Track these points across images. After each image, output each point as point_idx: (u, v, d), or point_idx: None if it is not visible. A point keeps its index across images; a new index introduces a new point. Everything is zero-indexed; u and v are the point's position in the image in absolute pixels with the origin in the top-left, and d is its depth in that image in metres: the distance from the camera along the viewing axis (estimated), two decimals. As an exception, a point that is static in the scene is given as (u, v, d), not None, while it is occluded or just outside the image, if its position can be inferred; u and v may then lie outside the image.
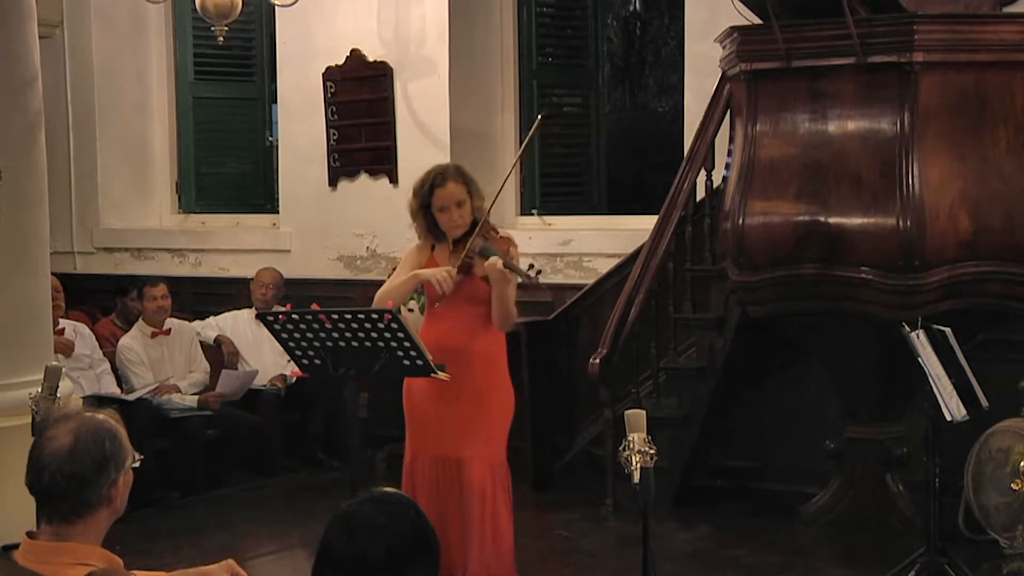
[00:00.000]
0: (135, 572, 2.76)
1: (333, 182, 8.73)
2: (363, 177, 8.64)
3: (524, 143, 4.89)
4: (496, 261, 4.68)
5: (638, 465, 3.38)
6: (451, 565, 4.76)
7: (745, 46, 6.04)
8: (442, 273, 4.75)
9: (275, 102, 9.40)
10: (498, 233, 4.96)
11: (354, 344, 4.41)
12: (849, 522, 6.33)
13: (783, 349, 6.80)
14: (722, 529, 6.52)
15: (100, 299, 8.79)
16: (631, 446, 3.40)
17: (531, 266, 4.67)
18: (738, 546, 6.23)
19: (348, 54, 8.56)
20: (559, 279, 7.99)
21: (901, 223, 5.72)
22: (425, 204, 4.90)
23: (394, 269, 7.87)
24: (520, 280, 4.75)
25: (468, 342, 4.84)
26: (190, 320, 8.28)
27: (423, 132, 8.40)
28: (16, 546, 2.70)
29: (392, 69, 8.45)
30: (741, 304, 6.48)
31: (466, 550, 4.79)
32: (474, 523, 4.79)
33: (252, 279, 8.42)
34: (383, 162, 8.54)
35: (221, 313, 8.43)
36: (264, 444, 7.82)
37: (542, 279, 4.74)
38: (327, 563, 2.35)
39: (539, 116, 5.08)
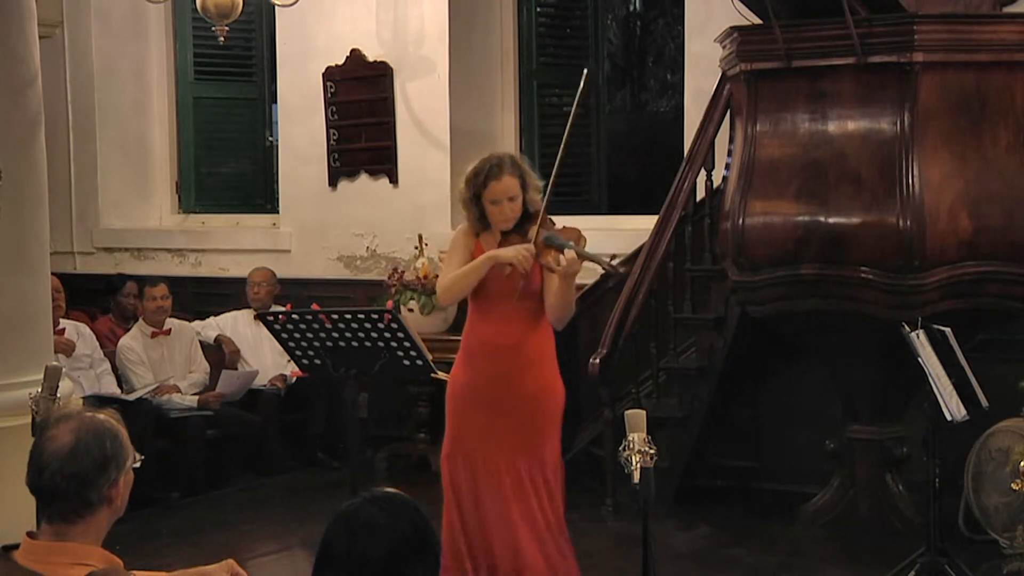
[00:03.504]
0: (135, 572, 2.76)
1: (333, 182, 8.73)
2: (363, 177, 8.64)
3: (574, 106, 4.62)
4: (573, 254, 4.47)
5: (638, 465, 3.38)
6: (477, 565, 4.73)
7: (745, 46, 6.05)
8: (522, 252, 4.51)
9: (275, 102, 9.40)
10: (554, 224, 4.75)
11: (354, 344, 4.42)
12: (849, 522, 6.33)
13: (783, 349, 6.79)
14: (722, 529, 6.52)
15: (100, 299, 8.78)
16: (631, 446, 3.40)
17: (613, 257, 4.49)
18: (738, 546, 6.24)
19: (348, 54, 8.56)
20: (559, 279, 7.98)
21: (901, 223, 5.72)
22: (476, 194, 4.70)
23: (394, 270, 7.97)
24: (601, 268, 4.53)
25: (523, 340, 4.69)
26: (190, 320, 8.28)
27: (423, 132, 8.40)
28: (16, 546, 2.70)
29: (392, 69, 8.46)
30: (741, 304, 6.48)
31: (498, 552, 4.74)
32: (529, 522, 4.73)
33: (249, 281, 8.44)
34: (383, 162, 8.54)
35: (221, 313, 8.43)
36: (264, 444, 7.82)
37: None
38: (328, 563, 2.35)
39: (584, 71, 4.78)
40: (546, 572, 4.74)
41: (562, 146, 4.73)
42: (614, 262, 4.52)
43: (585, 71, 4.82)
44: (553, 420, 4.82)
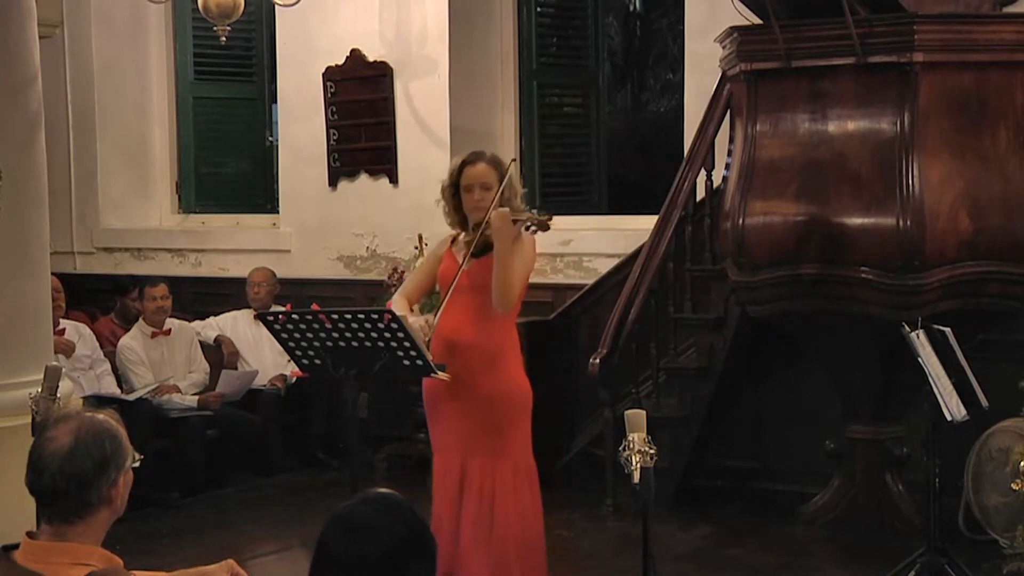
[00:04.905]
0: (135, 572, 2.76)
1: (333, 182, 8.73)
2: (363, 177, 8.64)
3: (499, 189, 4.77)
4: (502, 208, 4.55)
5: (638, 465, 3.38)
6: (452, 563, 4.73)
7: (745, 46, 6.05)
8: (421, 323, 4.61)
9: (275, 102, 9.40)
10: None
11: (354, 344, 4.41)
12: (849, 522, 6.34)
13: (783, 349, 6.79)
14: (722, 529, 6.52)
15: (100, 299, 8.79)
16: (631, 446, 3.40)
17: (545, 216, 4.54)
18: (738, 546, 6.24)
19: (348, 54, 8.56)
20: (559, 279, 7.99)
21: (901, 223, 5.72)
22: (455, 183, 4.82)
23: (394, 270, 7.98)
24: (527, 226, 4.54)
25: (472, 336, 4.73)
26: (190, 320, 8.28)
27: (423, 132, 8.40)
28: (16, 546, 2.70)
29: (392, 69, 8.46)
30: (741, 304, 6.48)
31: (466, 549, 4.75)
32: (470, 523, 4.74)
33: (249, 281, 8.44)
34: (383, 162, 8.54)
35: (221, 313, 8.43)
36: (264, 444, 7.82)
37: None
38: (324, 565, 2.35)
39: (511, 160, 4.95)
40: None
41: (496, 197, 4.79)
42: (545, 215, 4.54)
43: (512, 163, 4.89)
44: (516, 421, 4.82)
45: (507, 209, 4.59)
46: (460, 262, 4.77)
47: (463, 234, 4.86)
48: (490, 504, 4.74)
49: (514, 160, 4.95)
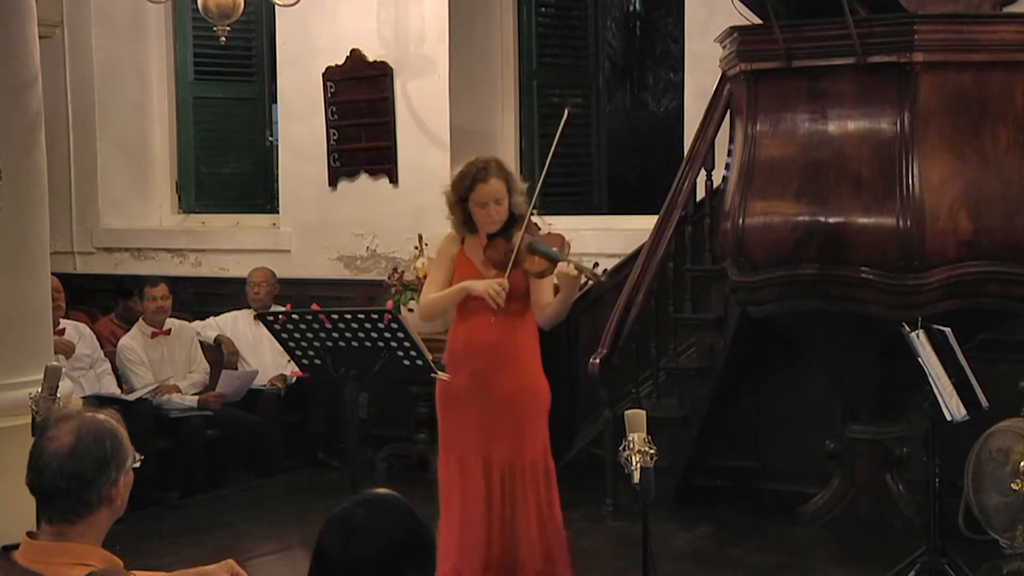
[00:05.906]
0: (135, 572, 2.76)
1: (333, 182, 8.73)
2: (363, 177, 8.64)
3: (556, 137, 4.74)
4: (569, 266, 4.56)
5: (638, 465, 3.38)
6: (488, 559, 4.73)
7: (745, 46, 6.05)
8: (495, 287, 4.61)
9: (275, 102, 9.40)
10: (540, 228, 4.82)
11: (354, 344, 4.42)
12: (849, 522, 6.34)
13: (783, 349, 6.79)
14: (722, 529, 6.52)
15: (100, 299, 8.79)
16: (631, 446, 3.41)
17: (595, 264, 4.57)
18: (738, 546, 6.24)
19: (348, 54, 8.56)
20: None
21: (901, 223, 5.72)
22: (463, 197, 4.77)
23: (394, 270, 7.97)
24: (585, 280, 4.59)
25: (505, 338, 4.74)
26: (190, 320, 8.28)
27: (423, 132, 8.40)
28: (16, 546, 2.70)
29: (392, 69, 8.46)
30: (741, 304, 6.48)
31: (491, 549, 4.76)
32: (499, 520, 4.74)
33: (249, 281, 8.44)
34: (383, 162, 8.54)
35: (221, 313, 8.43)
36: (264, 444, 7.82)
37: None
38: (322, 567, 2.34)
39: (566, 110, 4.87)
40: (535, 571, 4.75)
41: (547, 162, 4.89)
42: (600, 268, 4.62)
43: (567, 111, 4.89)
44: (537, 418, 4.83)
45: (572, 265, 4.57)
46: (480, 269, 4.78)
47: (472, 237, 4.84)
48: (512, 500, 4.74)
49: (569, 107, 4.91)
